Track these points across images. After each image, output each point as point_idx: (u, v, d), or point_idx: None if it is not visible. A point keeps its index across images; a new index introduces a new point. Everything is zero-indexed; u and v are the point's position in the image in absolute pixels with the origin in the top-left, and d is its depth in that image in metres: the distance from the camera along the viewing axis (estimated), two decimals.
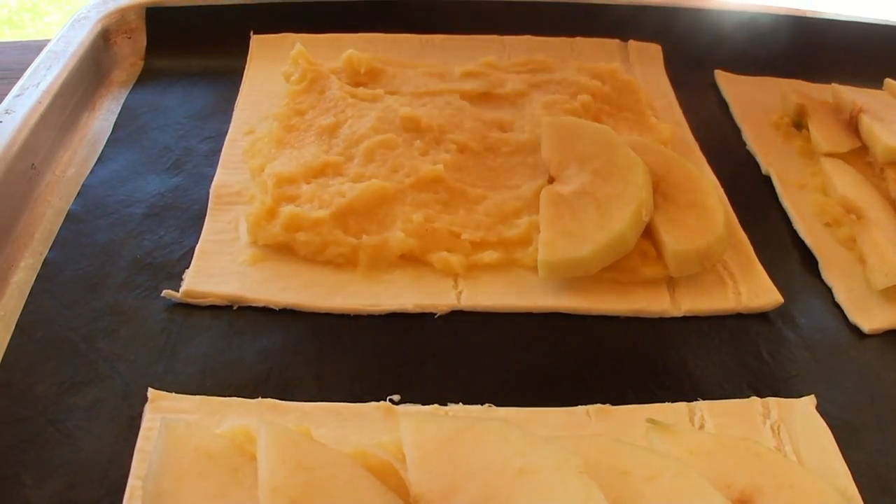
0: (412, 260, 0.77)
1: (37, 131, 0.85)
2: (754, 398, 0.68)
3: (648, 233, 0.78)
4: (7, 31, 2.89)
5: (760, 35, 1.15)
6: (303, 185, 0.81)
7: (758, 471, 0.57)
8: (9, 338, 0.68)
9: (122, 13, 1.06)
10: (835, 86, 1.03)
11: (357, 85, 0.95)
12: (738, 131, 1.03)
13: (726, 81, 1.11)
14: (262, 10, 1.09)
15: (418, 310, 0.74)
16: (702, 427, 0.65)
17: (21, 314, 0.71)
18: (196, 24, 1.07)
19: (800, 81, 1.09)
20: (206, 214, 0.81)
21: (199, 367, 0.67)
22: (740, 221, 0.87)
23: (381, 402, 0.64)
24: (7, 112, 0.84)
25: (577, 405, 0.66)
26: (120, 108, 0.97)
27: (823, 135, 0.95)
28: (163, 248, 0.78)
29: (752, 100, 1.08)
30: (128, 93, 1.00)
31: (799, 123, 1.01)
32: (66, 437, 0.61)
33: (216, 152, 0.89)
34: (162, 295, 0.73)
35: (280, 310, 0.73)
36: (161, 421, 0.55)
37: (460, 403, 0.65)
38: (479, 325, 0.74)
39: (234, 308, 0.73)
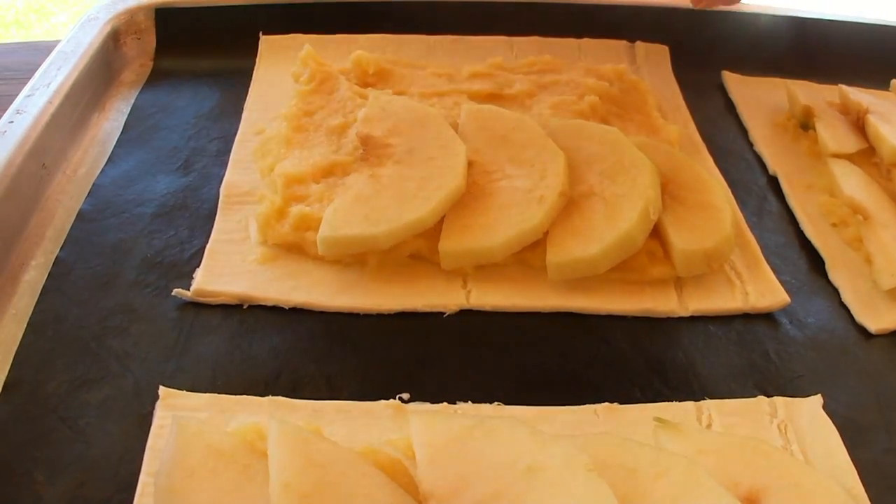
0: (421, 259, 0.77)
1: (47, 131, 0.85)
2: (761, 397, 0.68)
3: (656, 233, 0.78)
4: (14, 32, 2.90)
5: (767, 36, 1.15)
6: (312, 184, 0.81)
7: (765, 469, 0.57)
8: (21, 336, 0.69)
9: (132, 14, 1.06)
10: (841, 87, 1.03)
11: (366, 85, 0.95)
12: (745, 132, 1.04)
13: (733, 82, 1.12)
14: (272, 11, 1.10)
15: (427, 309, 0.74)
16: (709, 426, 0.65)
17: (33, 312, 0.71)
18: (205, 25, 1.08)
19: (806, 82, 1.09)
20: (215, 214, 0.82)
21: (210, 366, 0.68)
22: (747, 222, 0.87)
23: (391, 401, 0.65)
24: (18, 112, 0.85)
25: (585, 404, 0.66)
26: (130, 108, 0.98)
27: (830, 136, 0.96)
28: (173, 247, 0.78)
29: (758, 101, 1.08)
30: (137, 93, 1.00)
31: (806, 124, 1.01)
32: (78, 434, 0.62)
33: (226, 152, 0.90)
34: (172, 294, 0.73)
35: (290, 309, 0.74)
36: (172, 419, 0.56)
37: (469, 402, 0.65)
38: (488, 324, 0.74)
39: (245, 307, 0.73)
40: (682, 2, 1.17)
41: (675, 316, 0.76)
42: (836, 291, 0.81)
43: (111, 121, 0.96)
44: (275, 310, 0.73)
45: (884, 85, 1.08)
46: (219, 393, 0.65)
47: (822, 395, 0.68)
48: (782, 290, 0.79)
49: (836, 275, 0.82)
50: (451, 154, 0.79)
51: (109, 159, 0.89)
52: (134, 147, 0.91)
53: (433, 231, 0.76)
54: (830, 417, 0.66)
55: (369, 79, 0.96)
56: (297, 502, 0.50)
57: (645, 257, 0.77)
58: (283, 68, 1.00)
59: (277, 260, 0.77)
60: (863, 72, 1.10)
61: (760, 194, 0.93)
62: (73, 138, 0.91)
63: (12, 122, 0.83)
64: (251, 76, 1.02)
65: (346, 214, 0.74)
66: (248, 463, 0.54)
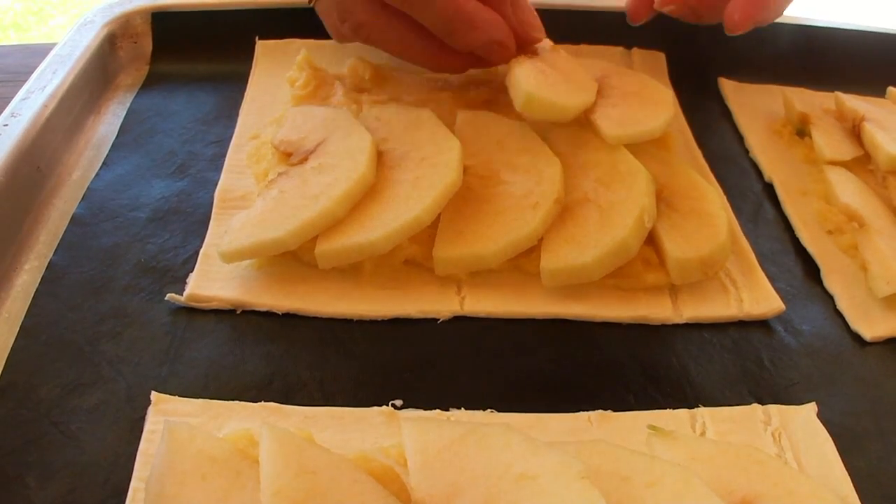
0: (415, 265, 0.77)
1: (42, 134, 0.85)
2: (755, 405, 0.68)
3: (651, 240, 0.78)
4: (12, 34, 2.91)
5: (763, 43, 1.15)
6: None
7: (758, 477, 0.57)
8: (13, 340, 0.69)
9: (128, 18, 1.06)
10: (838, 94, 1.03)
11: (361, 91, 0.95)
12: (740, 139, 1.04)
13: (729, 89, 1.12)
14: (268, 16, 1.10)
15: (421, 315, 0.74)
16: (703, 434, 0.65)
17: (25, 316, 0.71)
18: (202, 29, 1.08)
19: (803, 89, 1.09)
20: (210, 219, 0.82)
21: (203, 371, 0.68)
22: (742, 229, 0.87)
23: (384, 407, 0.65)
24: (13, 115, 0.85)
25: (578, 411, 0.66)
26: (125, 112, 0.97)
27: (826, 143, 0.96)
28: (167, 251, 0.78)
29: (755, 107, 1.08)
30: (133, 97, 1.00)
31: (802, 131, 1.01)
32: (70, 439, 0.61)
33: (221, 157, 0.89)
34: (166, 298, 0.73)
35: (283, 314, 0.73)
36: (164, 424, 0.56)
37: (462, 408, 0.65)
38: (482, 330, 0.74)
39: (238, 312, 0.73)
40: None
41: (670, 323, 0.76)
42: (831, 299, 0.81)
43: (107, 124, 0.96)
44: (268, 315, 0.73)
45: (880, 92, 1.09)
46: (211, 398, 0.64)
47: (817, 403, 0.68)
48: (777, 297, 0.79)
49: (831, 282, 0.82)
50: (444, 150, 0.79)
51: (104, 163, 0.89)
52: (129, 151, 0.91)
53: (427, 237, 0.76)
54: (825, 425, 0.66)
55: (365, 84, 0.96)
56: None
57: (640, 264, 0.77)
58: (279, 73, 1.00)
59: (272, 266, 0.76)
60: (859, 79, 1.10)
61: (756, 201, 0.93)
62: (69, 141, 0.91)
63: (7, 124, 0.83)
64: (247, 81, 1.02)
65: (341, 225, 0.74)
66: (240, 469, 0.54)
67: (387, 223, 0.73)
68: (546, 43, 0.94)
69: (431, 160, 0.78)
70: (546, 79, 0.85)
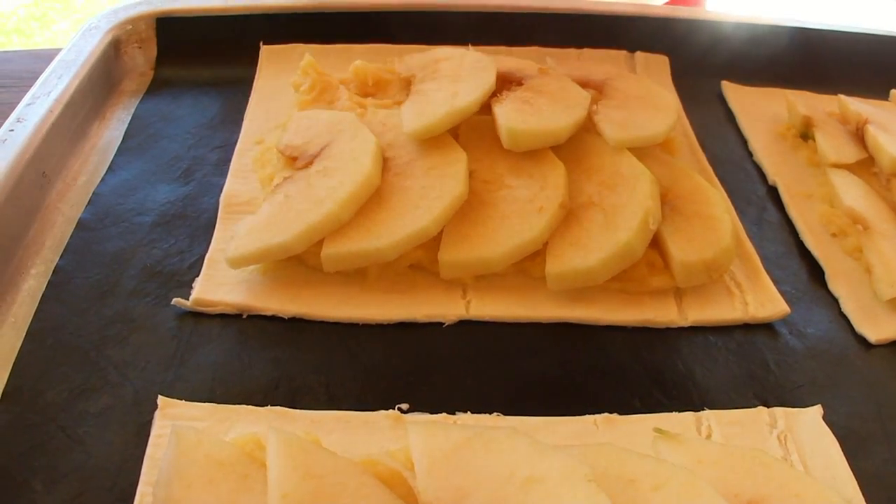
0: (421, 269, 0.77)
1: (48, 140, 0.85)
2: (761, 408, 0.68)
3: (656, 243, 0.78)
4: (16, 40, 2.91)
5: (767, 46, 1.15)
6: None
7: (764, 480, 0.57)
8: (20, 344, 0.69)
9: (133, 23, 1.07)
10: (841, 97, 1.03)
11: (365, 95, 0.95)
12: (744, 142, 1.04)
13: (733, 92, 1.12)
14: (272, 21, 1.10)
15: (427, 319, 0.74)
16: (709, 437, 0.65)
17: (32, 321, 0.71)
18: (206, 34, 1.08)
19: (806, 92, 1.09)
20: (215, 223, 0.82)
21: (209, 375, 0.68)
22: (747, 232, 0.87)
23: (390, 411, 0.65)
24: (19, 120, 0.85)
25: (584, 414, 0.66)
26: (130, 117, 0.98)
27: (830, 145, 0.96)
28: (172, 256, 0.78)
29: (758, 110, 1.08)
30: (138, 102, 1.00)
31: (805, 134, 1.01)
32: (77, 443, 0.61)
33: (226, 161, 0.90)
34: (172, 303, 0.73)
35: (289, 319, 0.73)
36: (171, 428, 0.56)
37: (469, 412, 0.65)
38: (488, 334, 0.74)
39: (244, 317, 0.73)
40: (682, 13, 1.17)
41: (675, 326, 0.76)
42: (835, 301, 0.81)
43: (112, 129, 0.96)
44: (274, 319, 0.73)
45: (883, 95, 1.09)
46: (218, 403, 0.65)
47: (822, 406, 0.68)
48: (782, 300, 0.79)
49: (835, 285, 0.82)
50: (452, 162, 0.79)
51: (110, 168, 0.89)
52: (134, 156, 0.91)
53: (433, 241, 0.76)
54: (830, 428, 0.66)
55: (369, 89, 0.96)
56: None
57: (644, 268, 0.77)
58: (284, 78, 1.00)
59: (277, 270, 0.77)
60: (862, 82, 1.11)
61: (760, 204, 0.94)
62: (74, 147, 0.91)
63: (13, 130, 0.83)
64: (251, 85, 1.02)
65: (348, 230, 0.74)
66: (247, 473, 0.54)
67: (394, 231, 0.73)
68: (531, 68, 0.93)
69: (439, 170, 0.79)
70: (529, 108, 0.84)
